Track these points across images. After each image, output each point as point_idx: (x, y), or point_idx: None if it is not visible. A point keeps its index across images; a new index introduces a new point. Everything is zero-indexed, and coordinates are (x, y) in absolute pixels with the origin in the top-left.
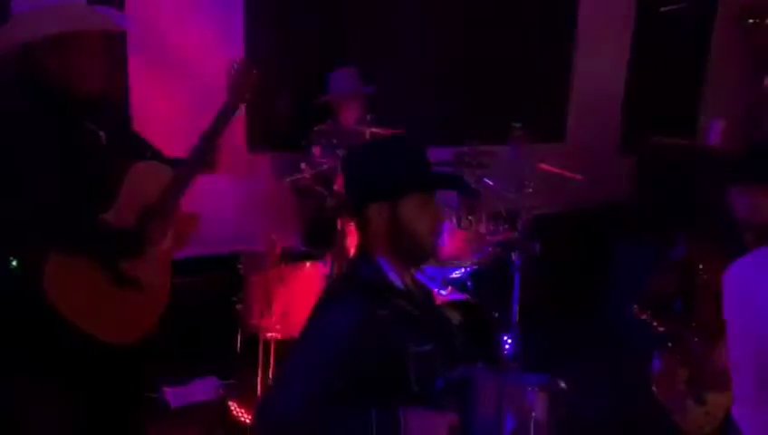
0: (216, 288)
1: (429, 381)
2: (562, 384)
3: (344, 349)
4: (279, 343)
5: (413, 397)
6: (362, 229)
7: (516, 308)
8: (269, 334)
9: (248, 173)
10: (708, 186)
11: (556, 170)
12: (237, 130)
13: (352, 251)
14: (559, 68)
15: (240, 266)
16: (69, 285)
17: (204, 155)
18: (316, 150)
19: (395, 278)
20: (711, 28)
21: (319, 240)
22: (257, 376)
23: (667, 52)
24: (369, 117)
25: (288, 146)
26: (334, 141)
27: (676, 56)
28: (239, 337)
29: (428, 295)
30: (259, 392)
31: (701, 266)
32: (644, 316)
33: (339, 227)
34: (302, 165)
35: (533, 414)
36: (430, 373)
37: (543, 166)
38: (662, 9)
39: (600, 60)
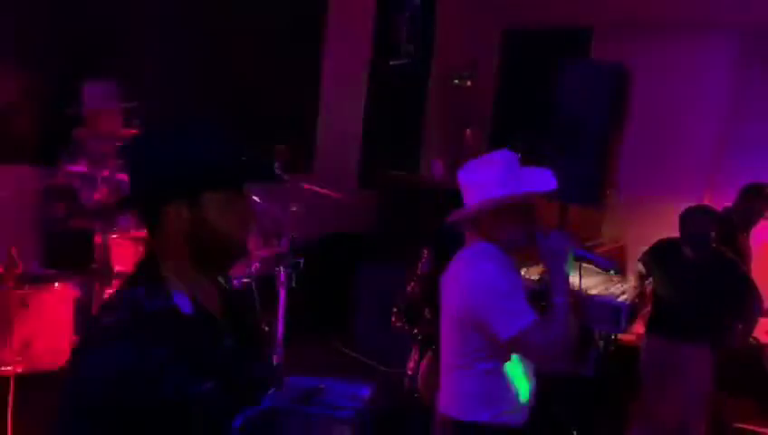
0: None
1: (218, 422)
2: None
3: (113, 405)
4: (20, 377)
5: None
6: (154, 237)
7: (282, 322)
8: (6, 368)
9: None
10: (435, 213)
11: (318, 189)
12: None
13: (118, 268)
14: (308, 108)
15: None
16: None
17: None
18: (82, 161)
19: (182, 301)
20: (428, 83)
21: (64, 258)
22: None
23: (395, 100)
24: (136, 122)
25: (30, 157)
26: (108, 148)
27: (402, 104)
28: None
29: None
30: None
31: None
32: (401, 324)
33: (100, 241)
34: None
35: None
36: (216, 414)
37: (307, 185)
38: (391, 63)
39: (342, 104)
